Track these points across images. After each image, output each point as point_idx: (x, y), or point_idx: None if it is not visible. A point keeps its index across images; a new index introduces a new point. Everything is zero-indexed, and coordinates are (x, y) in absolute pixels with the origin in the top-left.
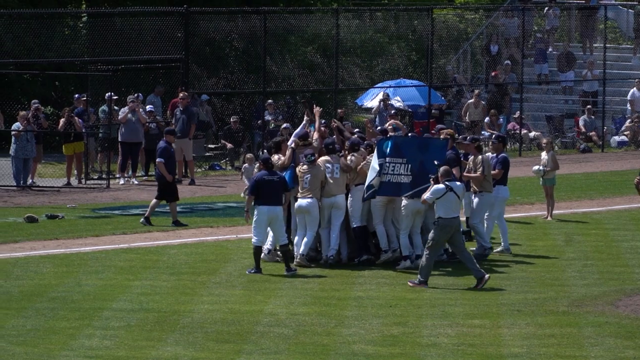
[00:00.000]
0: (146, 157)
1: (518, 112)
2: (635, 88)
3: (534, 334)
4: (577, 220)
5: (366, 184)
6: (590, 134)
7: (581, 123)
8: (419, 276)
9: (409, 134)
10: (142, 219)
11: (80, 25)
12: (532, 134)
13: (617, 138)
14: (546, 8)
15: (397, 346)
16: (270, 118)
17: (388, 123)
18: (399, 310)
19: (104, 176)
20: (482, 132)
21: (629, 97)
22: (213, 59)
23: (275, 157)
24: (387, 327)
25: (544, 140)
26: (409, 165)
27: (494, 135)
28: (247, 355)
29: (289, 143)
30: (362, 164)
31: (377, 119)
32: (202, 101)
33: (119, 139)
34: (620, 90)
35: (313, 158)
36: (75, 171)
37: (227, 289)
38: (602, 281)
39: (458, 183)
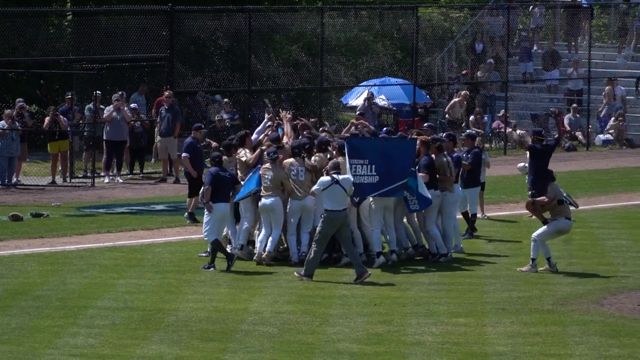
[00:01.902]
0: (131, 156)
1: (503, 110)
2: (609, 86)
3: (519, 333)
4: None
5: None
6: (576, 132)
7: (566, 122)
8: (304, 269)
9: (380, 135)
10: (185, 214)
11: (65, 23)
12: (517, 132)
13: (602, 136)
14: (531, 6)
15: (381, 344)
16: (225, 117)
17: (352, 127)
18: (383, 309)
19: (88, 175)
20: (467, 131)
21: (602, 95)
22: (198, 58)
23: (241, 152)
24: (371, 326)
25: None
26: (373, 166)
27: (443, 134)
28: (231, 354)
29: (252, 138)
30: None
31: None
32: (217, 101)
33: (104, 138)
34: (605, 89)
35: (276, 156)
36: (60, 169)
37: (212, 288)
38: (587, 280)
39: (346, 176)
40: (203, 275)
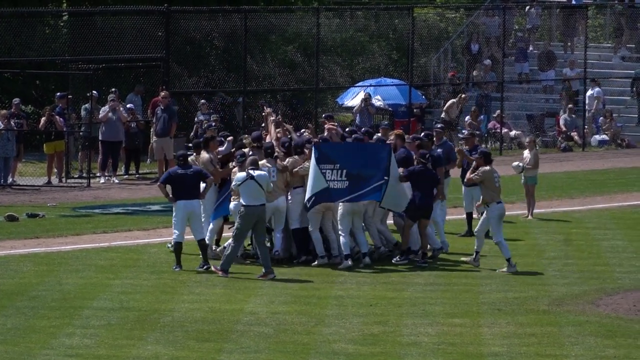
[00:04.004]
0: (127, 156)
1: (498, 111)
2: (589, 88)
3: (515, 333)
4: (558, 219)
5: (307, 194)
6: (572, 133)
7: (562, 122)
8: (221, 263)
9: (348, 140)
10: None
11: (61, 24)
12: (512, 132)
13: (597, 137)
14: (527, 7)
15: (377, 345)
16: (203, 118)
17: (326, 133)
18: (379, 309)
19: (84, 175)
20: (463, 131)
21: (587, 95)
22: (194, 58)
23: (205, 156)
24: (367, 326)
25: (527, 139)
26: (344, 171)
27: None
28: (227, 354)
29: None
30: (298, 167)
31: (357, 118)
32: (238, 102)
33: (100, 138)
34: (601, 89)
35: (242, 159)
36: (56, 170)
37: (208, 288)
38: (582, 280)
39: (262, 172)
40: (199, 276)
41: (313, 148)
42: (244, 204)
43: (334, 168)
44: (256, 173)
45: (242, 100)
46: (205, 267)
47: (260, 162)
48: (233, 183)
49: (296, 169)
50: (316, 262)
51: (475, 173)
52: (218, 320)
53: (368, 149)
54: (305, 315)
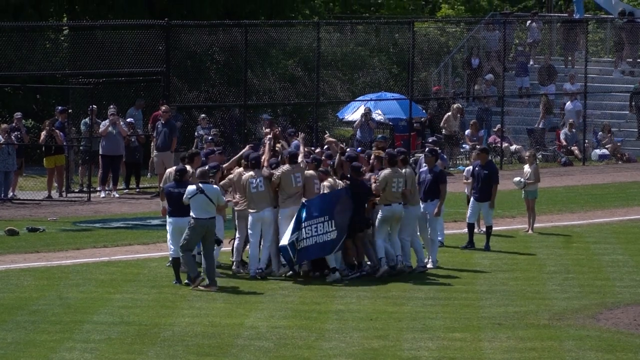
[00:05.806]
0: (127, 170)
1: (499, 125)
2: (569, 102)
3: (515, 348)
4: (559, 233)
5: (281, 242)
6: (572, 147)
7: (562, 136)
8: (188, 274)
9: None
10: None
11: (62, 38)
12: (513, 147)
13: (598, 151)
14: (529, 21)
15: (377, 359)
16: (203, 132)
17: (326, 142)
18: (379, 324)
19: (85, 189)
20: (463, 145)
21: (566, 108)
22: (194, 72)
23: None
24: (367, 341)
25: (527, 153)
26: (332, 221)
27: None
28: None
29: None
30: (275, 176)
31: (358, 133)
32: (262, 118)
33: (100, 152)
34: (601, 104)
35: (213, 172)
36: (56, 184)
37: (208, 302)
38: (583, 294)
39: (213, 186)
40: (199, 290)
41: (304, 208)
42: (193, 216)
43: (325, 220)
44: (205, 186)
45: (267, 116)
46: (174, 282)
47: (246, 175)
48: (185, 196)
49: (274, 178)
50: (280, 270)
51: (375, 180)
52: (218, 335)
53: (341, 195)
54: (306, 330)
